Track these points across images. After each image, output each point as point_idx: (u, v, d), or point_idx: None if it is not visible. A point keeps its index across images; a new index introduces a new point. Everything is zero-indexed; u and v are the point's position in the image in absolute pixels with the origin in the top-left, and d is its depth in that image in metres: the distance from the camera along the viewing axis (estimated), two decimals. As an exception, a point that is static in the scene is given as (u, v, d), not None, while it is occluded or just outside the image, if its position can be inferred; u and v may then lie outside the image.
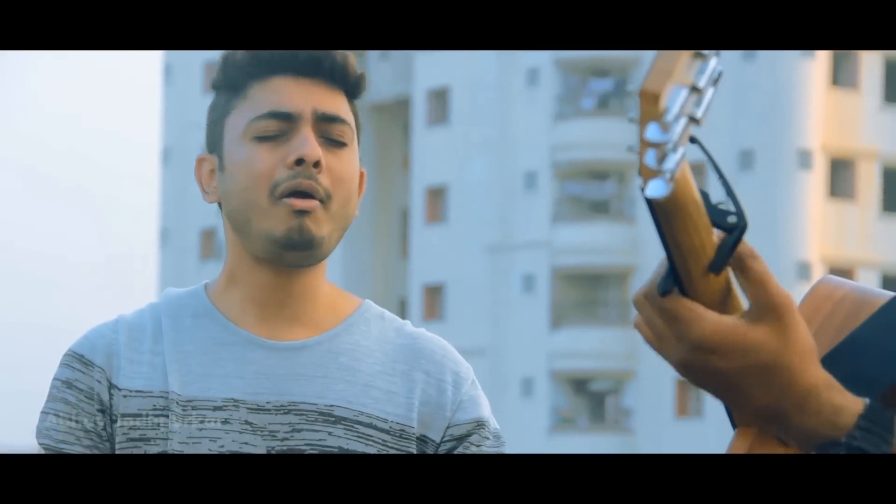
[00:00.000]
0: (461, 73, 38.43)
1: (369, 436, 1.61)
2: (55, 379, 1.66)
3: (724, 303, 1.06)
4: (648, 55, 36.75)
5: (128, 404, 1.62)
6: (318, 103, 1.63)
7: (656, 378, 35.62)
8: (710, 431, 34.32)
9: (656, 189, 1.01)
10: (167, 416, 1.61)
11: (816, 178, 35.11)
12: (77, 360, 1.65)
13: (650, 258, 36.03)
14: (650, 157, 1.01)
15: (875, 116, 35.34)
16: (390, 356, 1.65)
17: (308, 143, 1.61)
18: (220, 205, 1.69)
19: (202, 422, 1.61)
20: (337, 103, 1.64)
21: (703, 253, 1.05)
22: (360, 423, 1.61)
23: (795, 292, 35.95)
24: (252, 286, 1.65)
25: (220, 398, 1.61)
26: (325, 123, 1.63)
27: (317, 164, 1.60)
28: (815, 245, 34.36)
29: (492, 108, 37.83)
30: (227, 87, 1.66)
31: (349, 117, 1.65)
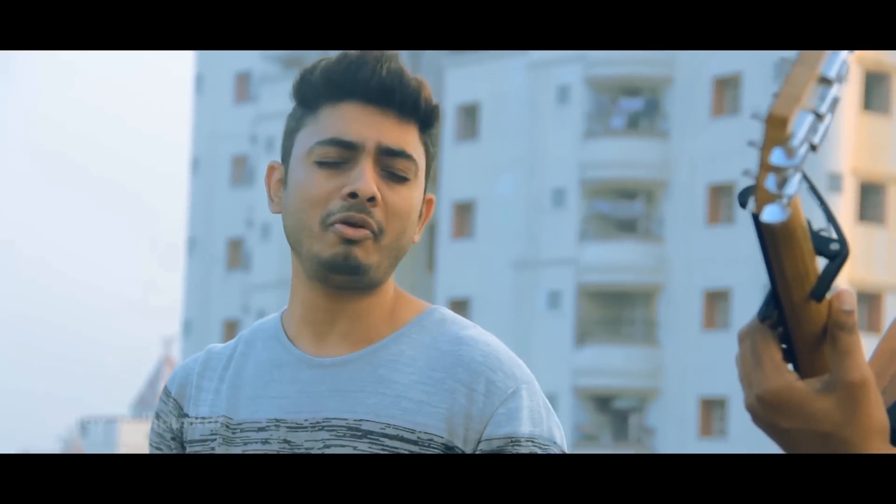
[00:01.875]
0: (491, 88, 38.45)
1: (394, 448, 1.59)
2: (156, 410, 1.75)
3: (823, 334, 1.07)
4: (681, 76, 36.70)
5: (193, 431, 1.67)
6: (383, 136, 1.60)
7: (680, 397, 35.48)
8: (733, 451, 34.08)
9: (773, 214, 1.02)
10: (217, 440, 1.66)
11: (846, 202, 34.95)
12: (164, 391, 1.73)
13: (676, 277, 35.91)
14: (770, 182, 1.02)
15: (906, 141, 35.16)
16: (430, 364, 1.60)
17: (363, 178, 1.59)
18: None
19: (246, 444, 1.63)
20: (405, 136, 1.61)
21: (806, 279, 1.05)
22: (386, 435, 1.59)
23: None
24: (306, 305, 1.65)
25: (265, 419, 1.62)
26: (387, 157, 1.61)
27: (371, 200, 1.59)
28: (843, 269, 34.14)
29: (521, 125, 37.82)
30: (301, 103, 1.65)
31: (416, 151, 1.62)
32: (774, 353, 1.07)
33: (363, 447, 1.59)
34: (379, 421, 1.59)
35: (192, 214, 46.48)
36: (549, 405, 1.64)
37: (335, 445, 1.60)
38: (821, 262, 1.07)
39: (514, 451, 1.59)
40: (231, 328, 44.56)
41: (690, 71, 35.99)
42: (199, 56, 46.72)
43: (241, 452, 1.62)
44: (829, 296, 1.07)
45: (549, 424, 1.61)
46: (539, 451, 1.59)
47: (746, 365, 1.08)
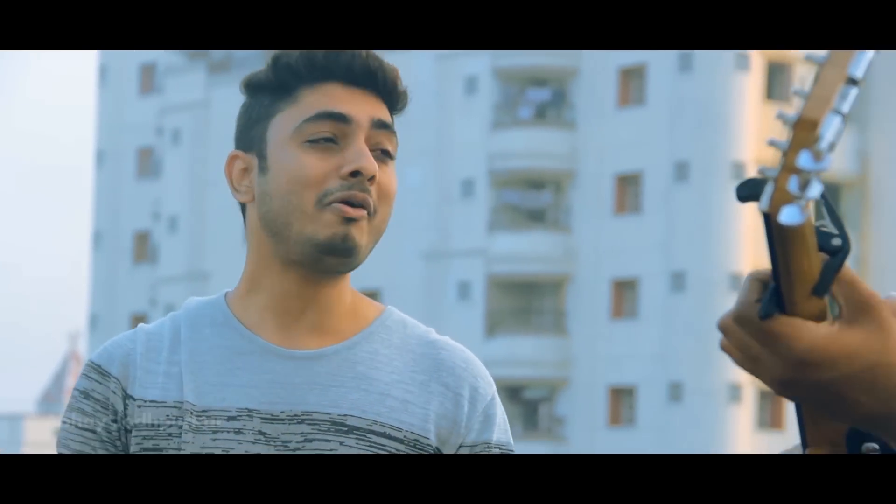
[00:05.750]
0: (399, 79, 38.39)
1: (382, 445, 1.59)
2: (74, 389, 1.66)
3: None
4: (587, 66, 36.97)
5: (142, 414, 1.62)
6: (373, 110, 1.62)
7: (589, 386, 35.78)
8: (641, 440, 34.51)
9: (792, 216, 1.01)
10: (181, 427, 1.61)
11: (750, 191, 35.39)
12: (94, 370, 1.65)
13: (585, 267, 36.20)
14: (793, 184, 1.00)
15: (808, 130, 35.73)
16: (410, 365, 1.62)
17: (365, 156, 1.59)
18: (242, 206, 1.67)
19: (216, 432, 1.60)
20: (388, 114, 1.64)
21: (810, 275, 1.05)
22: (373, 432, 1.59)
23: (727, 304, 36.12)
24: (274, 293, 1.63)
25: (235, 408, 1.60)
26: (379, 131, 1.61)
27: (372, 178, 1.59)
28: (748, 256, 34.69)
29: (429, 116, 37.85)
30: (274, 89, 1.63)
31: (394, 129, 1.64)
32: (783, 318, 1.04)
33: (350, 443, 1.58)
34: (365, 417, 1.59)
35: (97, 207, 45.93)
36: None
37: (318, 440, 1.59)
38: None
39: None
40: (139, 322, 43.80)
41: (596, 61, 36.26)
42: (103, 47, 46.08)
43: (211, 440, 1.59)
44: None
45: (508, 429, 1.67)
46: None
47: (751, 349, 1.04)
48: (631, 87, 36.26)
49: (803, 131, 1.00)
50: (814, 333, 1.04)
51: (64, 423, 1.66)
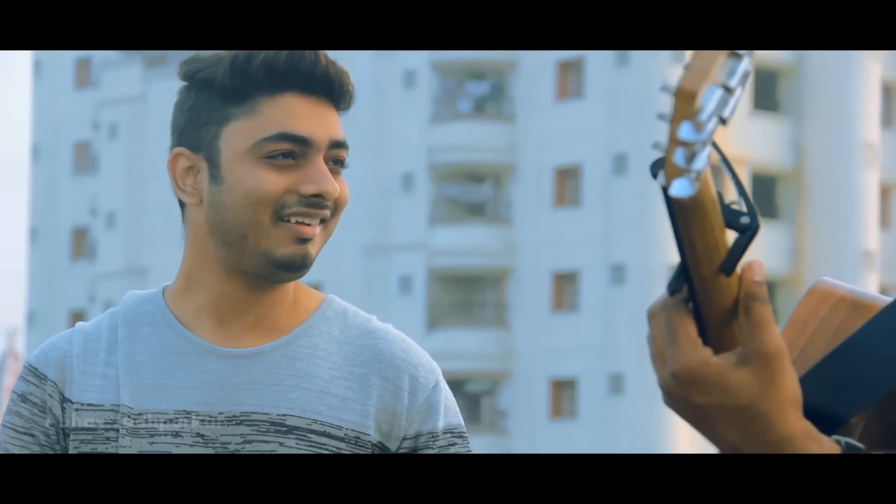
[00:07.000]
0: (338, 73, 38.28)
1: (322, 444, 1.57)
2: (12, 391, 1.64)
3: (734, 308, 1.06)
4: (526, 60, 37.08)
5: (80, 418, 1.61)
6: (331, 130, 1.61)
7: (531, 379, 35.92)
8: (583, 432, 34.68)
9: (682, 188, 1.01)
10: (118, 430, 1.59)
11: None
12: (31, 372, 1.64)
13: (526, 260, 36.32)
14: (679, 156, 1.01)
15: (744, 123, 36.06)
16: (349, 359, 1.61)
17: (327, 179, 1.59)
18: (181, 203, 1.63)
19: (153, 436, 1.58)
20: (340, 124, 1.63)
21: (716, 252, 1.05)
22: (313, 431, 1.57)
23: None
24: (213, 294, 1.61)
25: (173, 410, 1.59)
26: (335, 149, 1.62)
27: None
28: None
29: (369, 110, 37.80)
30: (228, 93, 1.59)
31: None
32: (689, 328, 1.05)
33: (290, 443, 1.57)
34: (305, 416, 1.58)
35: (33, 203, 45.46)
36: None
37: (257, 441, 1.57)
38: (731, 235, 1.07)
39: (433, 445, 1.61)
40: (77, 319, 43.71)
41: (534, 55, 36.37)
42: (38, 41, 45.53)
43: (148, 443, 1.58)
44: (738, 270, 1.06)
45: (457, 411, 1.64)
46: (458, 442, 1.62)
47: (659, 342, 1.06)
48: (569, 80, 36.38)
49: (683, 103, 1.00)
50: (697, 355, 1.05)
51: (3, 425, 1.65)
